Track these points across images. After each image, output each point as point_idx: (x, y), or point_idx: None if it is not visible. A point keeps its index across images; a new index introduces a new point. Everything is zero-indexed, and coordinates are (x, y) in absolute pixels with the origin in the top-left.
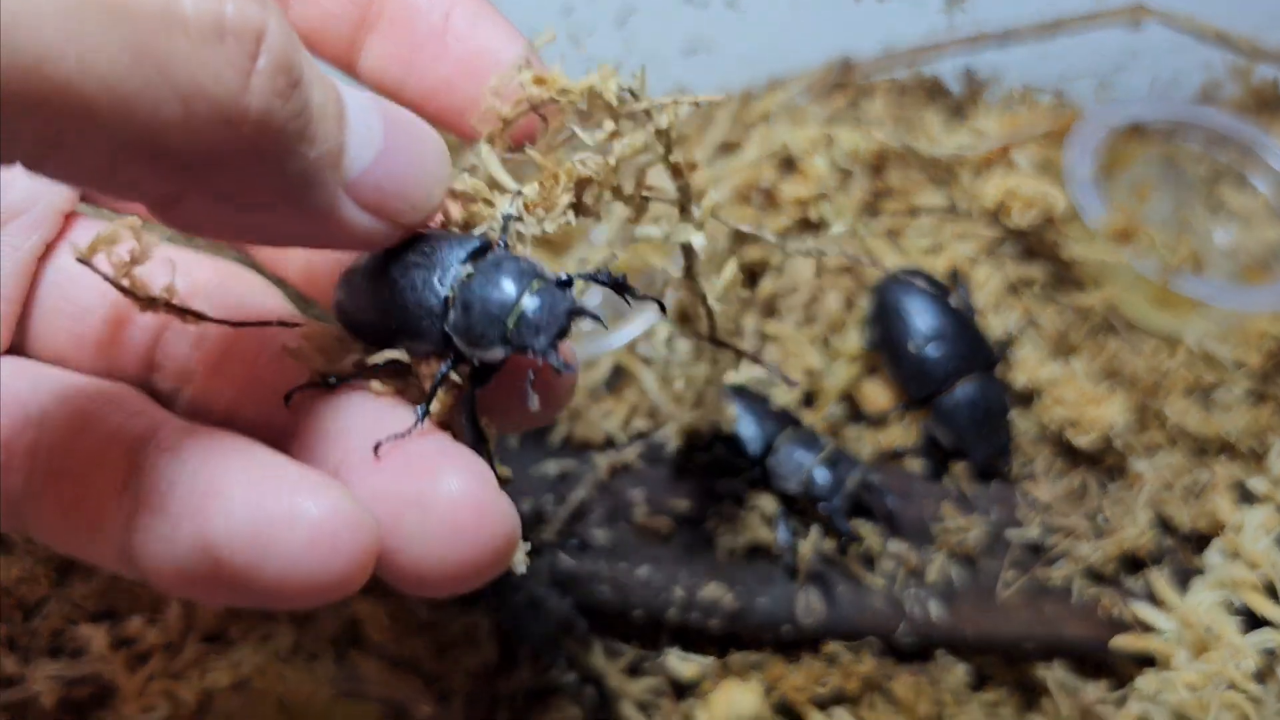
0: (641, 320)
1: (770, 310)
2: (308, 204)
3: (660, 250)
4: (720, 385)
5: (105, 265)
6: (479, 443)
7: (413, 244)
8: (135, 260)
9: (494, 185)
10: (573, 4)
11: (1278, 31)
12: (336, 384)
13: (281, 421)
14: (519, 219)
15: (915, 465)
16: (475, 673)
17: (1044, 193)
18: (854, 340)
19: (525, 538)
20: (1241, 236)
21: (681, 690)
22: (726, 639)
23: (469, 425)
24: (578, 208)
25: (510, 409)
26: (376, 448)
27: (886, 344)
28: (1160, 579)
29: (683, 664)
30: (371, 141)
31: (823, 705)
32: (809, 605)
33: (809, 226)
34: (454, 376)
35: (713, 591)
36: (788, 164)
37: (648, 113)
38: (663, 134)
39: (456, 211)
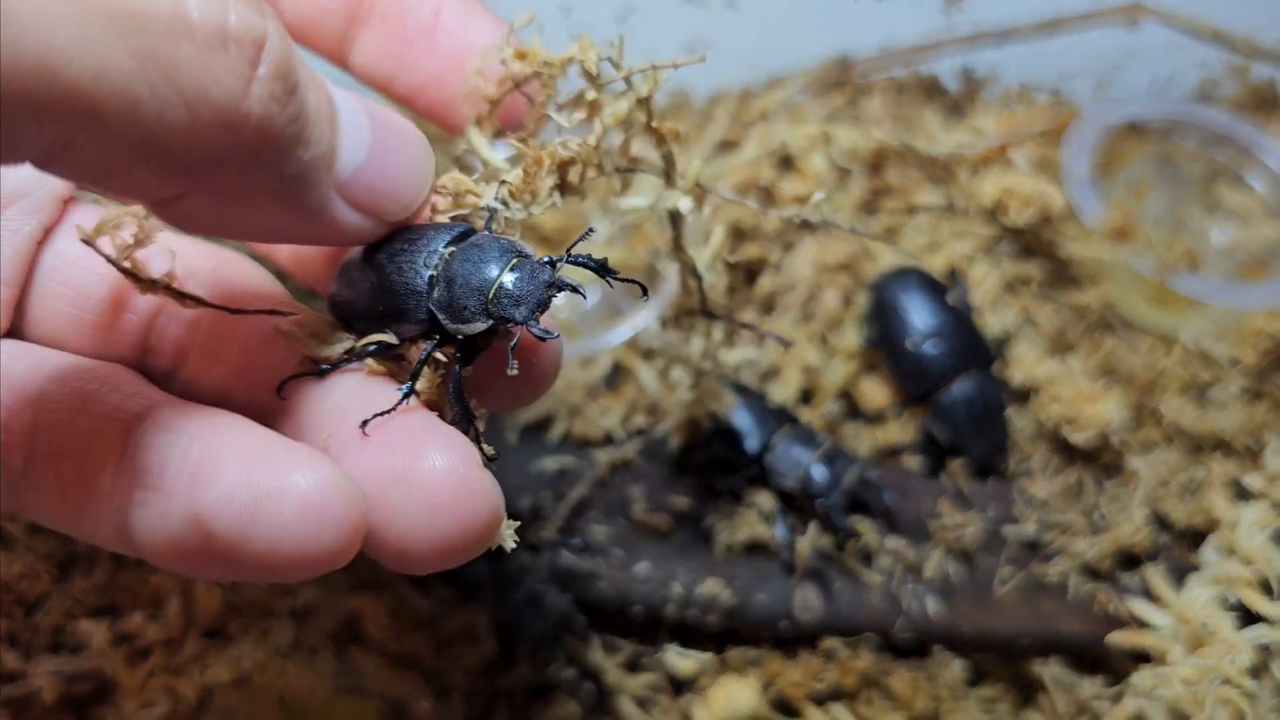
0: (639, 317)
1: (769, 307)
2: (302, 204)
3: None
4: (716, 362)
5: (108, 248)
6: (466, 421)
7: (402, 233)
8: (138, 244)
9: (479, 179)
10: (572, 3)
11: (1275, 30)
12: (328, 371)
13: (273, 403)
14: (505, 205)
15: (913, 462)
16: (474, 669)
17: (1041, 191)
18: (852, 338)
19: (524, 534)
20: (1238, 235)
21: (680, 686)
22: (725, 635)
23: (456, 404)
24: (563, 188)
25: (498, 387)
26: (364, 425)
27: (884, 341)
28: (1156, 575)
29: (681, 660)
30: (361, 143)
31: (820, 701)
32: (807, 601)
33: (808, 224)
34: (439, 356)
35: (711, 588)
36: (786, 162)
37: (628, 81)
38: (644, 102)
39: (442, 205)
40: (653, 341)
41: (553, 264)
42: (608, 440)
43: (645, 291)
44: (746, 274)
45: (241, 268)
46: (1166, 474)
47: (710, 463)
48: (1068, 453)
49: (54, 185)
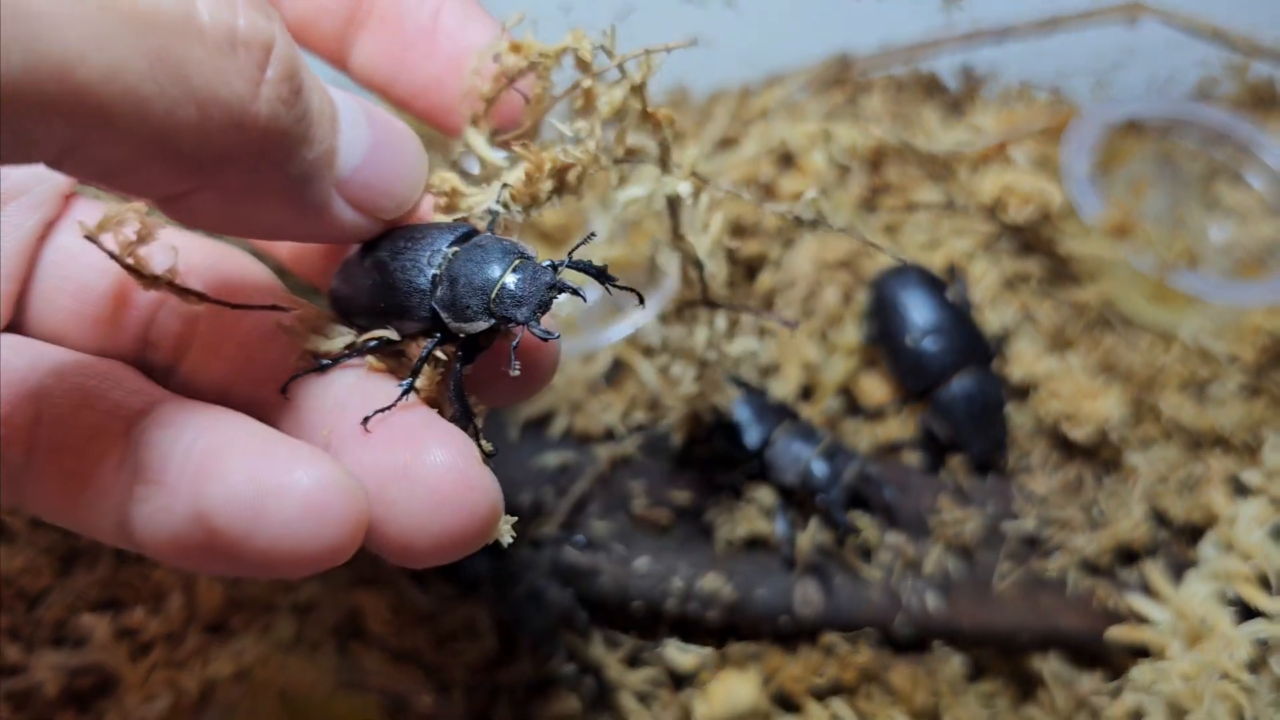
0: (640, 314)
1: (769, 304)
2: (304, 201)
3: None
4: (720, 353)
5: (111, 244)
6: (466, 418)
7: (405, 232)
8: (140, 240)
9: (478, 179)
10: (572, 2)
11: (1274, 29)
12: (329, 366)
13: (273, 398)
14: (505, 208)
15: (912, 458)
16: (475, 664)
17: (1041, 189)
18: (852, 334)
19: (526, 530)
20: (1237, 232)
21: (680, 681)
22: (725, 630)
23: (457, 401)
24: (561, 189)
25: (496, 383)
26: (365, 421)
27: (884, 338)
28: (1155, 571)
29: (681, 655)
30: (360, 143)
31: (820, 696)
32: (807, 596)
33: (800, 221)
34: (439, 354)
35: (711, 583)
36: (786, 159)
37: (621, 69)
38: (638, 89)
39: (443, 204)
40: (653, 337)
41: (554, 267)
42: (608, 436)
43: (642, 300)
44: (747, 270)
45: (240, 263)
46: (1165, 470)
47: (711, 458)
48: (1067, 449)
49: (56, 181)
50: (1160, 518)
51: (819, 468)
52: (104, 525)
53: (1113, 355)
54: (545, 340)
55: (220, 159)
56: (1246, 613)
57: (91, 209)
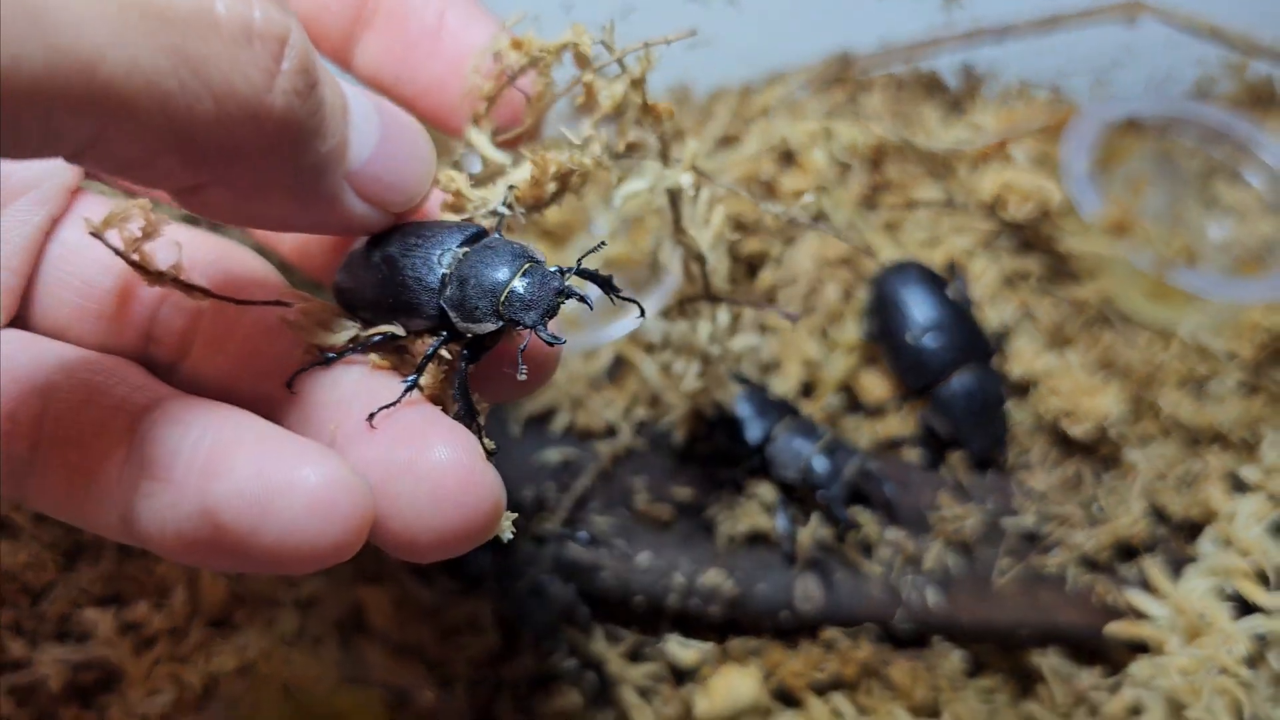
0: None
1: (770, 301)
2: (316, 193)
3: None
4: (724, 348)
5: (116, 240)
6: (470, 416)
7: (415, 229)
8: (145, 236)
9: (480, 177)
10: (573, 1)
11: (1272, 28)
12: (334, 360)
13: (277, 394)
14: (510, 209)
15: (912, 455)
16: (478, 659)
17: (1040, 187)
18: (852, 331)
19: (528, 525)
20: (1235, 230)
21: (681, 676)
22: (726, 625)
23: (461, 399)
24: (564, 190)
25: (498, 381)
26: (370, 418)
27: (884, 335)
28: (1154, 567)
29: (683, 650)
30: (370, 135)
31: (821, 691)
32: (807, 592)
33: (794, 223)
34: (444, 352)
35: (713, 578)
36: (787, 157)
37: (621, 63)
38: (638, 83)
39: (442, 203)
40: (654, 334)
41: (563, 273)
42: (610, 432)
43: (643, 312)
44: (748, 267)
45: (242, 258)
46: (1164, 466)
47: (712, 454)
48: (1066, 445)
49: (62, 176)
50: (1159, 514)
51: (820, 464)
52: (108, 521)
53: (1112, 352)
54: (552, 345)
55: (235, 151)
56: (1245, 608)
57: (97, 204)
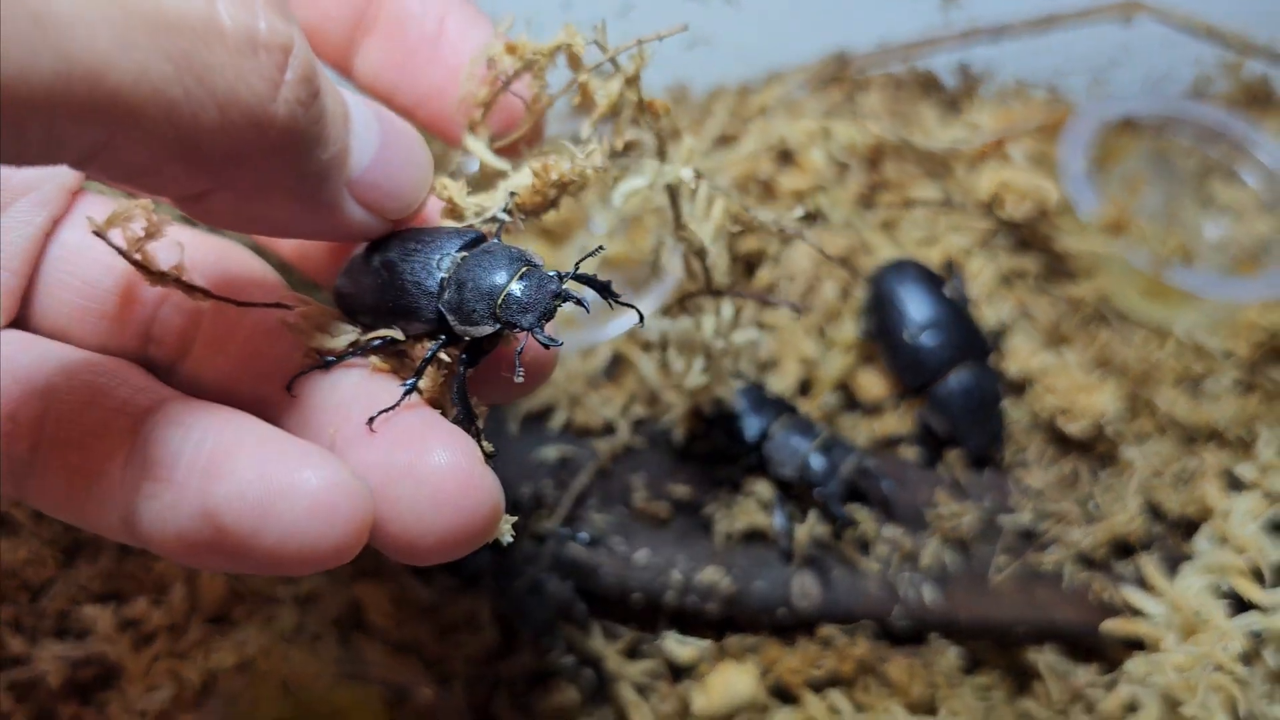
0: (640, 308)
1: (767, 304)
2: (317, 200)
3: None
4: (728, 341)
5: (119, 240)
6: (469, 420)
7: (415, 234)
8: (148, 237)
9: (477, 181)
10: (571, 0)
11: (1268, 27)
12: (334, 363)
13: (276, 396)
14: (509, 213)
15: (910, 453)
16: (476, 656)
17: (1037, 186)
18: (850, 329)
19: (526, 523)
20: (1231, 229)
21: (679, 673)
22: (723, 622)
23: (460, 403)
24: (563, 194)
25: (495, 383)
26: (370, 421)
27: (882, 333)
28: (1150, 564)
29: (680, 647)
30: (370, 143)
31: (818, 688)
32: (804, 589)
33: (810, 219)
34: (443, 356)
35: (710, 575)
36: (785, 156)
37: (614, 62)
38: (633, 80)
39: (442, 210)
40: (652, 332)
41: (560, 276)
42: (608, 430)
43: (642, 319)
44: (746, 266)
45: (242, 259)
46: (1160, 464)
47: (710, 452)
48: (1063, 443)
49: (63, 178)
50: (1155, 511)
51: (817, 461)
52: (109, 521)
53: (1108, 350)
54: (549, 347)
55: (239, 159)
56: (1240, 605)
57: (98, 205)
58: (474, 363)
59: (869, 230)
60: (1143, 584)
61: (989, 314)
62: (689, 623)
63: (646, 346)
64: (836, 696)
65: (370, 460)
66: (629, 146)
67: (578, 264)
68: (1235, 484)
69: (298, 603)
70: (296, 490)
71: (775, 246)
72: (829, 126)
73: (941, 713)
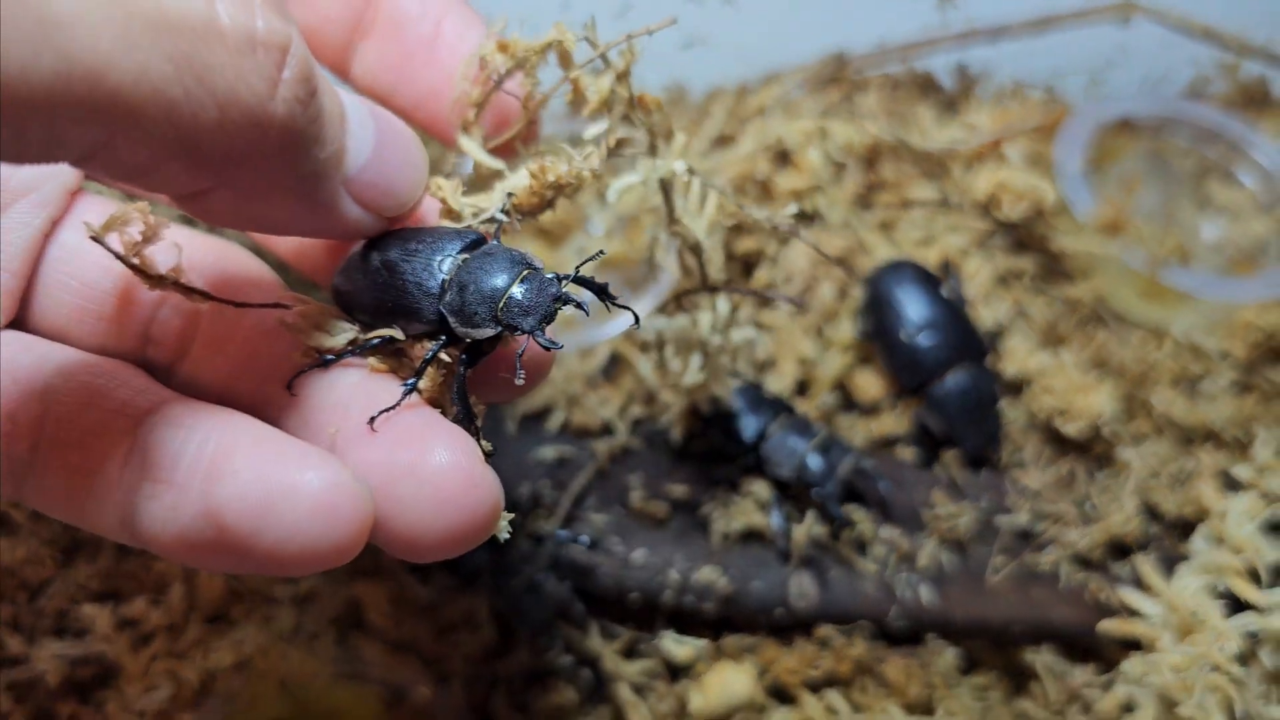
0: (638, 308)
1: (765, 300)
2: (314, 199)
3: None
4: (725, 337)
5: (116, 244)
6: (469, 419)
7: (416, 234)
8: (146, 240)
9: (472, 181)
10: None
11: (1265, 29)
12: (333, 361)
13: (275, 396)
14: (507, 213)
15: (907, 453)
16: (474, 655)
17: (1034, 186)
18: (847, 330)
19: (523, 522)
20: (1228, 230)
21: (676, 672)
22: (721, 622)
23: (459, 402)
24: (558, 197)
25: (494, 383)
26: (371, 421)
27: (879, 333)
28: (1146, 564)
29: (678, 646)
30: (366, 142)
31: (815, 688)
32: (802, 589)
33: (804, 218)
34: (443, 356)
35: (707, 575)
36: (783, 157)
37: (604, 58)
38: (623, 76)
39: (440, 210)
40: (649, 332)
41: (560, 280)
42: (605, 430)
43: (638, 321)
44: (744, 266)
45: (240, 260)
46: (1157, 465)
47: (708, 452)
48: (1060, 444)
49: (62, 179)
50: (1152, 512)
51: (814, 462)
52: (108, 522)
53: (1105, 351)
54: (549, 350)
55: (237, 158)
56: (1237, 606)
57: (97, 206)
58: (474, 363)
59: (866, 230)
60: (1139, 584)
61: (986, 314)
62: (686, 622)
63: (644, 346)
64: (834, 697)
65: (372, 459)
66: (621, 144)
67: (578, 267)
68: (1232, 484)
69: (296, 602)
70: (298, 491)
71: (773, 247)
72: (826, 127)
73: (938, 713)
